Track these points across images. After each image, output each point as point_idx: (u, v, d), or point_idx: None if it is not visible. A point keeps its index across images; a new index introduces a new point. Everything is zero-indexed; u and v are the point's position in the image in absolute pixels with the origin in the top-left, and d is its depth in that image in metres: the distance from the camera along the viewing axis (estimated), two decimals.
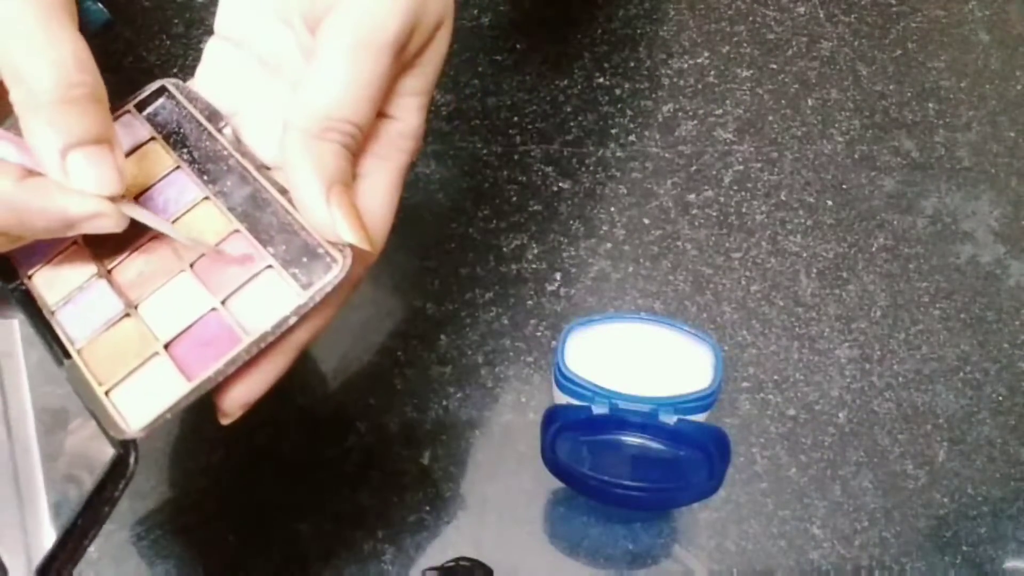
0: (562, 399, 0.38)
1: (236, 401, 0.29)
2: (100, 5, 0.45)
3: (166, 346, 0.28)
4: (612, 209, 0.48)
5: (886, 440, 0.42)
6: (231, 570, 0.39)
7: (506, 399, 0.43)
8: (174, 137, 0.32)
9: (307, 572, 0.39)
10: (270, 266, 0.29)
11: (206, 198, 0.31)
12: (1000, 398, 0.43)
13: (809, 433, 0.42)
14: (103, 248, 0.30)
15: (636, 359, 0.38)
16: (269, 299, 0.28)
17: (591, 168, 0.50)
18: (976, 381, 0.43)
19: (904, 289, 0.46)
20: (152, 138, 0.32)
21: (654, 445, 0.37)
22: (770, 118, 0.52)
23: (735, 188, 0.49)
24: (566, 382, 0.37)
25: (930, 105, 0.52)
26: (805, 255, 0.47)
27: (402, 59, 0.29)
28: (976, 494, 0.41)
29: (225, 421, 0.30)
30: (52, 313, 0.30)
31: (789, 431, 0.42)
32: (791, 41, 0.55)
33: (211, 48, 0.34)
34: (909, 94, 0.53)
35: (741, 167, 0.50)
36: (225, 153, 0.31)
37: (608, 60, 0.54)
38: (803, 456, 0.41)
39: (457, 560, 0.37)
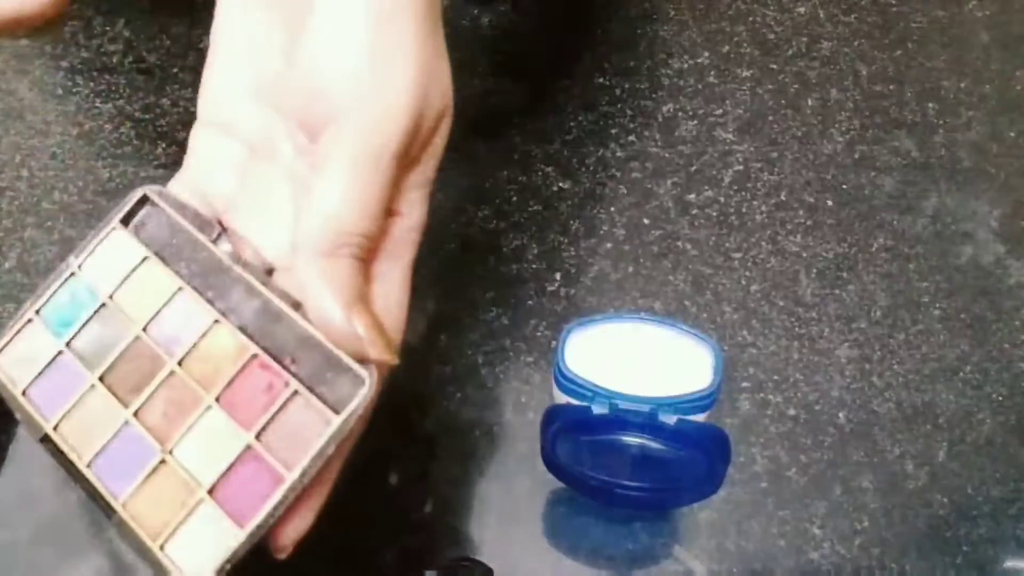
0: (562, 399, 0.38)
1: (290, 537, 0.28)
2: None
3: (210, 491, 0.28)
4: (612, 209, 0.48)
5: (886, 440, 0.42)
6: (231, 570, 0.39)
7: (506, 399, 0.43)
8: (168, 252, 0.30)
9: (307, 572, 0.39)
10: (296, 392, 0.28)
11: (216, 321, 0.29)
12: (1000, 398, 0.43)
13: (809, 433, 0.42)
14: (124, 387, 0.29)
15: (636, 359, 0.38)
16: (302, 429, 0.27)
17: (591, 168, 0.50)
18: (976, 381, 0.43)
19: (904, 289, 0.46)
20: (146, 258, 0.30)
21: (654, 445, 0.37)
22: (770, 118, 0.52)
23: (735, 188, 0.49)
24: (566, 382, 0.37)
25: (930, 105, 0.52)
26: (805, 255, 0.47)
27: (407, 160, 0.29)
28: (976, 494, 0.41)
29: (281, 556, 0.29)
30: (88, 466, 0.29)
31: (789, 431, 0.42)
32: (791, 41, 0.55)
33: (196, 136, 0.32)
34: (909, 94, 0.53)
35: (741, 167, 0.50)
36: (225, 265, 0.29)
37: (608, 60, 0.54)
38: (803, 456, 0.41)
39: (457, 560, 0.37)
